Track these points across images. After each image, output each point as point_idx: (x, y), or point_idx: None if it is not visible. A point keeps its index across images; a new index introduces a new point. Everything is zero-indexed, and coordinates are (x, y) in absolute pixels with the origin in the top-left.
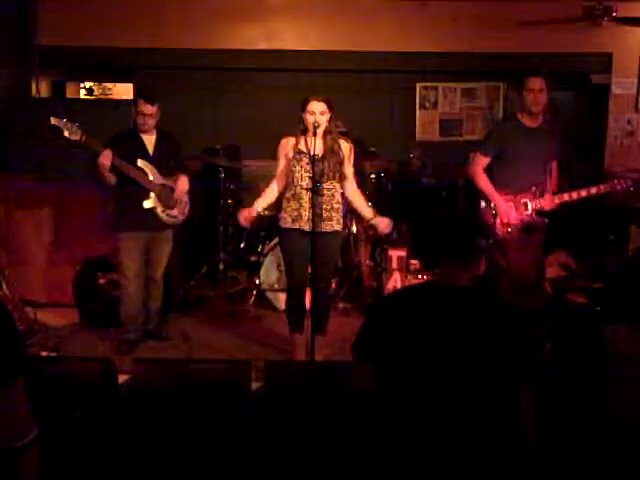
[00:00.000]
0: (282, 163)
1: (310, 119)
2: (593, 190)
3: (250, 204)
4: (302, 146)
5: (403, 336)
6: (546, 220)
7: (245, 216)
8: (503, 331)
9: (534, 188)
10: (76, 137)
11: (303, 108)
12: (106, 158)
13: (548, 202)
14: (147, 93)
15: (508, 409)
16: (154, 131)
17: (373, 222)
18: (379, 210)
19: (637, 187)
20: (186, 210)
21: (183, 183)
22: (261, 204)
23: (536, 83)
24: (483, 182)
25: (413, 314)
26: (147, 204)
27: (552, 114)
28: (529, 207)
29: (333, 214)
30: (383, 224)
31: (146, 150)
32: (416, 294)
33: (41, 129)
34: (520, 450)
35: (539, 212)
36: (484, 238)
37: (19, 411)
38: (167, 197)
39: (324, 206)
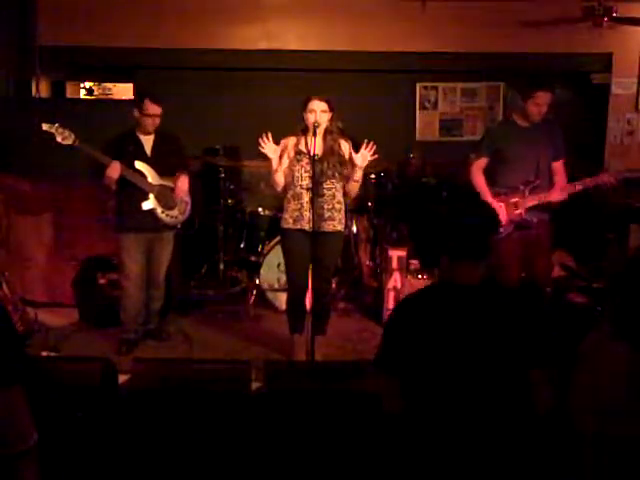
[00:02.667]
0: (283, 162)
1: (311, 118)
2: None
3: (250, 204)
4: (302, 146)
5: (426, 339)
6: (535, 219)
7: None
8: (516, 321)
9: (522, 187)
10: (69, 142)
11: (304, 107)
12: (115, 171)
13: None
14: (153, 93)
15: (526, 399)
16: (153, 131)
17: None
18: (379, 210)
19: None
20: (187, 210)
21: (183, 183)
22: (275, 160)
23: (545, 98)
24: (478, 183)
25: (434, 315)
26: (146, 205)
27: (553, 112)
28: (519, 206)
29: (334, 214)
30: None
31: (144, 151)
32: (434, 294)
33: (41, 129)
34: (538, 439)
35: (532, 209)
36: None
37: (17, 417)
38: (166, 198)
39: (325, 206)
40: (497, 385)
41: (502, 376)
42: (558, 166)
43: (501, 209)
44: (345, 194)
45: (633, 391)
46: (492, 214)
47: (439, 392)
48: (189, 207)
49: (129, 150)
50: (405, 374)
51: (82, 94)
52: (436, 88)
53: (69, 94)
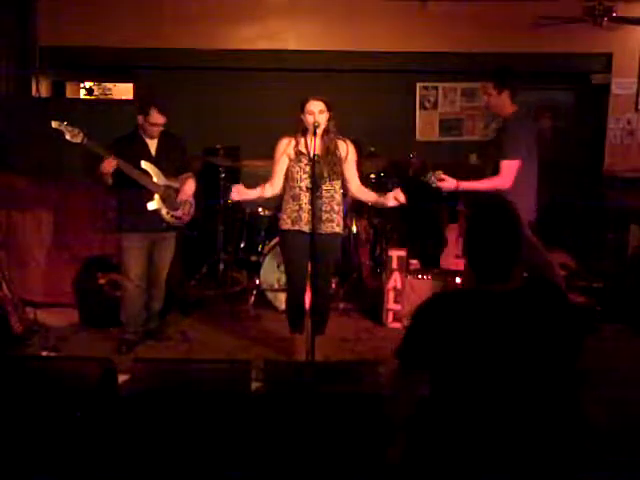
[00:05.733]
0: (282, 163)
1: (310, 119)
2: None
3: (250, 204)
4: (302, 147)
5: (460, 342)
6: None
7: (239, 190)
8: (559, 323)
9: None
10: (77, 140)
11: (302, 109)
12: (109, 165)
13: None
14: (160, 102)
15: (569, 401)
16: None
17: (382, 200)
18: (379, 211)
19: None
20: (191, 211)
21: (189, 185)
22: (254, 194)
23: (486, 87)
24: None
25: (467, 319)
26: (151, 205)
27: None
28: None
29: (333, 215)
30: (387, 200)
31: (149, 152)
32: (470, 299)
33: (41, 129)
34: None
35: None
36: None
37: None
38: (171, 198)
39: (324, 207)
40: (529, 394)
41: (535, 387)
42: (502, 166)
43: None
44: (346, 194)
45: None
46: (514, 227)
47: (471, 398)
48: (193, 208)
49: (135, 150)
50: (435, 375)
51: (82, 94)
52: (436, 88)
53: (69, 94)
